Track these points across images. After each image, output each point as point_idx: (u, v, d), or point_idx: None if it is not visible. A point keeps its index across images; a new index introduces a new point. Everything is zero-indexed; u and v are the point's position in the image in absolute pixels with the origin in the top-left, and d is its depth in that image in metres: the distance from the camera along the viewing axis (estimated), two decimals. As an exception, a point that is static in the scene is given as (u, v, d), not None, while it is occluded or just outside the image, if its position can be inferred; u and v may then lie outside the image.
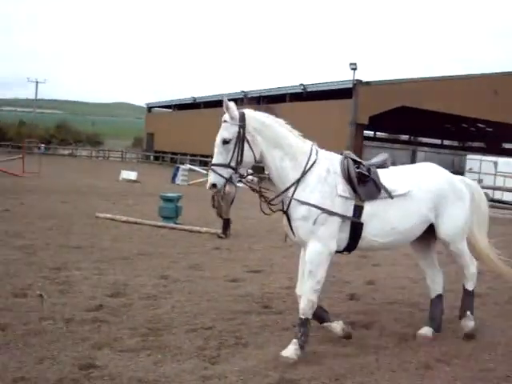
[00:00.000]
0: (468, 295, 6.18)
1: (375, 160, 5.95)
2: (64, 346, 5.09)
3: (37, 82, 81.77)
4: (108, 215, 13.49)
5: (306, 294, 5.32)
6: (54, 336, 5.34)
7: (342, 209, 5.29)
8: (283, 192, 5.33)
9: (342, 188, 5.32)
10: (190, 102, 58.96)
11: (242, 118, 5.21)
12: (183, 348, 5.24)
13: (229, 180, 5.41)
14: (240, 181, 5.60)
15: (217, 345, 5.36)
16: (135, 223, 12.82)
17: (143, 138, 72.35)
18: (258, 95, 42.98)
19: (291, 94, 42.46)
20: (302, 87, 40.70)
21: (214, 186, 5.30)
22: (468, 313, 6.09)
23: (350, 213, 5.34)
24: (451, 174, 6.23)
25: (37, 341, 5.19)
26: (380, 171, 5.64)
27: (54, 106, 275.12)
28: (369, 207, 5.41)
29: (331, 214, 5.22)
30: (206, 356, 5.09)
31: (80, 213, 14.26)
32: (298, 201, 5.22)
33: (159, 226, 12.63)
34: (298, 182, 5.26)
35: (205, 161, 46.65)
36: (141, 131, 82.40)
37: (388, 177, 5.61)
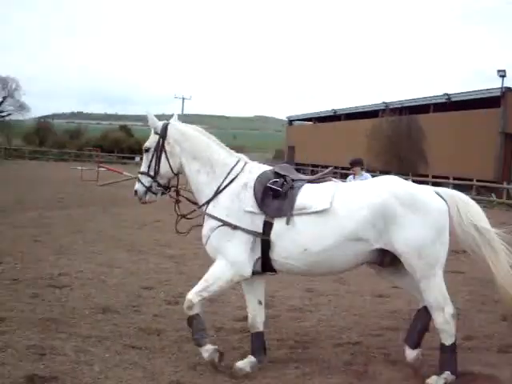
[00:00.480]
0: (445, 352, 4.87)
1: (315, 176, 5.42)
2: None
3: (183, 99, 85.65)
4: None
5: (191, 292, 5.17)
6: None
7: (249, 225, 4.93)
8: (198, 207, 5.29)
9: (251, 203, 4.97)
10: (330, 114, 59.02)
11: (164, 128, 5.26)
12: (331, 362, 5.23)
13: (148, 189, 5.36)
14: (163, 192, 5.44)
15: (364, 360, 5.30)
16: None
17: (284, 150, 73.28)
18: (400, 106, 42.12)
19: (435, 104, 41.26)
20: (447, 97, 39.41)
21: (135, 192, 5.38)
22: (446, 374, 4.79)
23: (259, 229, 4.92)
24: (411, 186, 5.21)
25: (189, 347, 5.39)
26: (310, 186, 5.09)
27: (199, 121, 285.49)
28: (278, 225, 4.89)
29: (234, 227, 4.92)
30: (353, 371, 5.04)
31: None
32: (207, 214, 5.09)
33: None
34: (209, 200, 5.13)
35: (346, 173, 46.47)
36: (281, 144, 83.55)
37: (315, 192, 4.98)
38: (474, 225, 5.04)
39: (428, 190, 5.23)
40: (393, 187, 4.96)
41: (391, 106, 44.13)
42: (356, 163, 10.93)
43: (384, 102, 47.01)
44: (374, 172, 39.71)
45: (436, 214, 4.89)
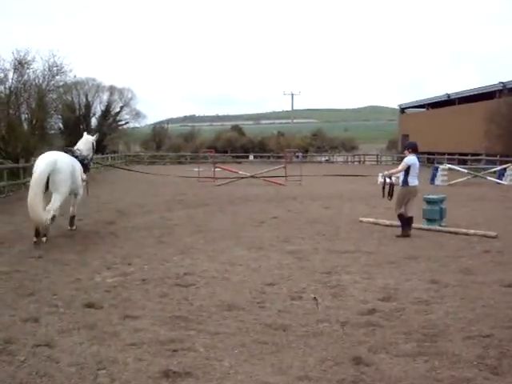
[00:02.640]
0: None
1: None
2: (342, 348, 5.24)
3: (292, 95, 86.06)
4: (371, 219, 13.64)
5: None
6: (332, 338, 5.53)
7: None
8: None
9: None
10: (444, 99, 57.10)
11: None
12: (461, 355, 5.06)
13: None
14: None
15: (497, 354, 5.08)
16: (398, 226, 12.74)
17: (397, 139, 71.74)
18: (519, 85, 40.09)
19: (558, 80, 38.89)
20: None
21: None
22: None
23: None
24: None
25: (316, 342, 5.42)
26: None
27: (309, 116, 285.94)
28: None
29: None
30: (486, 365, 4.85)
31: (343, 218, 14.64)
32: None
33: (424, 229, 12.40)
34: None
35: (463, 159, 44.84)
36: (394, 133, 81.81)
37: None
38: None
39: None
40: None
41: (509, 86, 42.01)
42: (404, 147, 13.12)
43: (501, 82, 44.82)
44: (495, 156, 38.16)
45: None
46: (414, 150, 12.20)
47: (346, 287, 7.50)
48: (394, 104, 78.88)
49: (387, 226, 12.91)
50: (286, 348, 5.29)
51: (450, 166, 31.05)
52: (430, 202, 13.05)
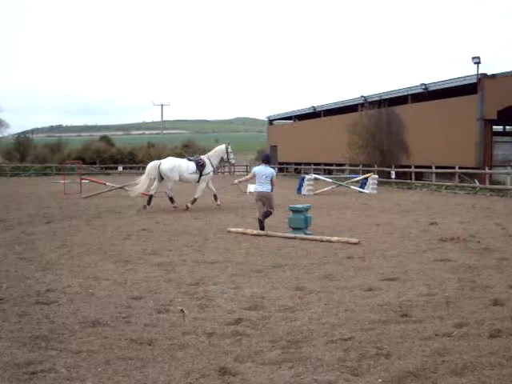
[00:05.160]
0: None
1: None
2: (208, 360, 5.22)
3: (162, 106, 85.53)
4: (239, 229, 13.78)
5: None
6: (198, 350, 5.49)
7: None
8: None
9: None
10: (310, 111, 59.10)
11: None
12: (324, 360, 5.21)
13: None
14: None
15: (358, 356, 5.28)
16: (266, 235, 12.99)
17: (266, 150, 73.31)
18: (379, 99, 42.28)
19: (412, 94, 41.42)
20: (424, 87, 39.58)
21: None
22: None
23: None
24: None
25: (182, 355, 5.36)
26: None
27: (179, 127, 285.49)
28: None
29: None
30: (347, 367, 5.02)
31: (212, 228, 14.68)
32: None
33: (289, 238, 12.72)
34: None
35: (328, 169, 46.62)
36: (263, 144, 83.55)
37: None
38: None
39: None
40: None
41: (370, 100, 44.27)
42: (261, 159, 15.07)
43: (362, 96, 47.14)
44: (358, 166, 40.05)
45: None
46: (264, 161, 14.26)
47: (214, 298, 7.51)
48: (263, 116, 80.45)
49: (255, 235, 13.10)
50: (152, 362, 5.19)
51: (315, 175, 32.12)
52: (295, 210, 13.41)
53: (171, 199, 20.07)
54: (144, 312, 6.85)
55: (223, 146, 21.51)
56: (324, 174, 42.94)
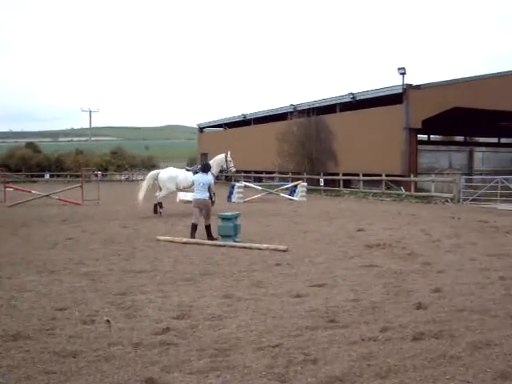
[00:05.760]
0: None
1: None
2: (134, 371, 5.13)
3: (90, 112, 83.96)
4: (168, 238, 13.66)
5: None
6: (124, 361, 5.38)
7: None
8: None
9: None
10: (240, 119, 59.31)
11: None
12: (252, 367, 5.20)
13: None
14: None
15: (285, 362, 5.31)
16: (195, 244, 12.92)
17: (197, 158, 73.09)
18: (308, 107, 42.84)
19: (341, 103, 42.20)
20: (352, 96, 40.41)
21: None
22: None
23: None
24: None
25: (108, 366, 5.24)
26: None
27: (108, 134, 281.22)
28: None
29: None
30: (274, 374, 5.04)
31: (141, 237, 14.49)
32: None
33: (219, 246, 12.69)
34: None
35: (259, 177, 46.88)
36: (194, 152, 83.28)
37: None
38: None
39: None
40: None
41: (299, 108, 44.80)
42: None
43: (292, 105, 47.67)
44: (287, 174, 40.46)
45: None
46: (202, 169, 14.91)
47: (141, 307, 7.39)
48: (194, 123, 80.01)
49: (184, 243, 13.01)
50: (76, 375, 5.05)
51: (245, 183, 32.24)
52: (224, 218, 13.41)
53: (158, 205, 20.70)
54: (69, 323, 6.67)
55: (222, 156, 22.01)
56: (254, 181, 43.17)
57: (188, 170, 21.44)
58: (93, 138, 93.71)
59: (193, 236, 13.72)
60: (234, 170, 22.96)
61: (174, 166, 23.59)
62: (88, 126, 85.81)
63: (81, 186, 28.13)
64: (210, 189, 14.29)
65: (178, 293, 8.22)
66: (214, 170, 21.18)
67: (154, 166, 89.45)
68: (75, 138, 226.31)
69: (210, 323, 6.65)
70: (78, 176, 51.08)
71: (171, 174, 21.09)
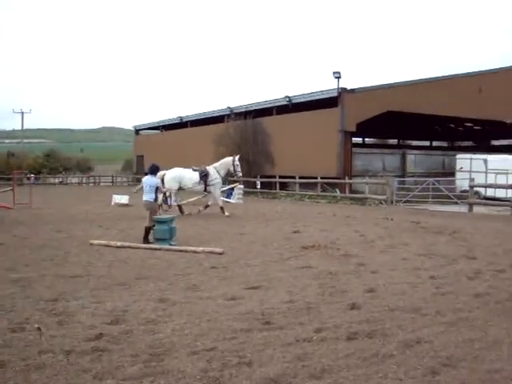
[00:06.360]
0: None
1: None
2: (65, 379, 5.00)
3: (22, 113, 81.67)
4: (102, 241, 13.40)
5: None
6: (55, 369, 5.24)
7: None
8: None
9: None
10: (177, 121, 59.01)
11: None
12: (186, 371, 5.16)
13: None
14: None
15: (220, 366, 5.29)
16: (130, 247, 12.74)
17: (133, 160, 72.28)
18: (245, 110, 43.00)
19: (277, 106, 42.54)
20: (288, 99, 40.80)
21: None
22: None
23: None
24: None
25: (37, 375, 5.10)
26: None
27: (42, 136, 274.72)
28: None
29: None
30: (209, 378, 5.01)
31: (74, 241, 14.17)
32: None
33: (154, 249, 12.55)
34: None
35: (196, 179, 46.65)
36: (130, 154, 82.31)
37: None
38: None
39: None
40: None
41: (236, 111, 44.91)
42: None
43: (229, 107, 47.73)
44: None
45: None
46: (150, 172, 14.61)
47: (74, 313, 7.21)
48: (130, 125, 79.13)
49: (119, 247, 12.81)
50: (3, 386, 4.89)
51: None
52: (159, 221, 13.28)
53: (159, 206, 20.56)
54: (-4, 332, 6.45)
55: (230, 159, 22.31)
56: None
57: (195, 171, 21.77)
58: (25, 140, 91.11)
59: (146, 240, 13.67)
60: (240, 174, 22.99)
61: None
62: (20, 128, 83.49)
63: (12, 190, 27.35)
64: (156, 191, 14.40)
65: (112, 298, 8.08)
66: (221, 172, 21.92)
67: (89, 169, 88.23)
68: (7, 140, 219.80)
69: (145, 328, 6.56)
70: (9, 179, 49.65)
71: (175, 174, 21.54)
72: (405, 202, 30.04)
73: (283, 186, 37.90)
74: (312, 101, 39.19)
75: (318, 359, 5.44)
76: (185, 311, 7.29)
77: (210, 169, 21.87)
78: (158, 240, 13.06)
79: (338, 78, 36.04)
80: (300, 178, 35.28)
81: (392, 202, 29.01)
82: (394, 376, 5.03)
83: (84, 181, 68.25)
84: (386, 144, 62.26)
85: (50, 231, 16.47)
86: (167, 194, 20.47)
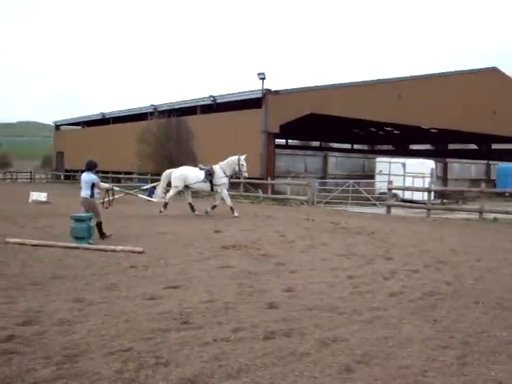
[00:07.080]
0: None
1: None
2: (-28, 383, 4.82)
3: None
4: (18, 240, 12.95)
5: None
6: (-39, 373, 5.04)
7: None
8: None
9: None
10: (99, 118, 57.87)
11: None
12: (101, 373, 5.06)
13: None
14: None
15: (136, 366, 5.21)
16: (46, 246, 12.38)
17: (52, 157, 70.37)
18: (169, 108, 42.62)
19: (202, 106, 42.44)
20: (212, 99, 40.76)
21: None
22: None
23: None
24: None
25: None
26: None
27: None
28: None
29: None
30: (125, 379, 4.93)
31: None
32: None
33: (72, 248, 12.25)
34: None
35: (117, 177, 45.96)
36: (50, 150, 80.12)
37: None
38: None
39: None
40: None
41: (160, 109, 44.46)
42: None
43: (152, 105, 47.23)
44: (146, 175, 39.99)
45: None
46: (87, 168, 14.69)
47: (-16, 314, 6.95)
48: (51, 120, 76.88)
49: (35, 245, 12.41)
50: None
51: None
52: (77, 219, 12.97)
53: (164, 206, 21.49)
54: None
55: (235, 158, 22.29)
56: (112, 182, 42.19)
57: (202, 169, 21.90)
58: None
59: (103, 235, 14.00)
60: (246, 174, 22.77)
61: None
62: None
63: None
64: (93, 188, 14.36)
65: (26, 298, 7.82)
66: (227, 171, 21.95)
67: (7, 165, 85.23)
68: None
69: (59, 329, 6.38)
70: None
71: (181, 173, 21.81)
72: (325, 203, 30.61)
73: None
74: (237, 101, 39.30)
75: (235, 359, 5.46)
76: (102, 311, 7.15)
77: (216, 167, 21.94)
78: (76, 239, 12.74)
79: (263, 79, 36.27)
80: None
81: (313, 203, 29.48)
82: (310, 374, 5.11)
83: (0, 177, 65.92)
84: (308, 146, 63.33)
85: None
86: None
